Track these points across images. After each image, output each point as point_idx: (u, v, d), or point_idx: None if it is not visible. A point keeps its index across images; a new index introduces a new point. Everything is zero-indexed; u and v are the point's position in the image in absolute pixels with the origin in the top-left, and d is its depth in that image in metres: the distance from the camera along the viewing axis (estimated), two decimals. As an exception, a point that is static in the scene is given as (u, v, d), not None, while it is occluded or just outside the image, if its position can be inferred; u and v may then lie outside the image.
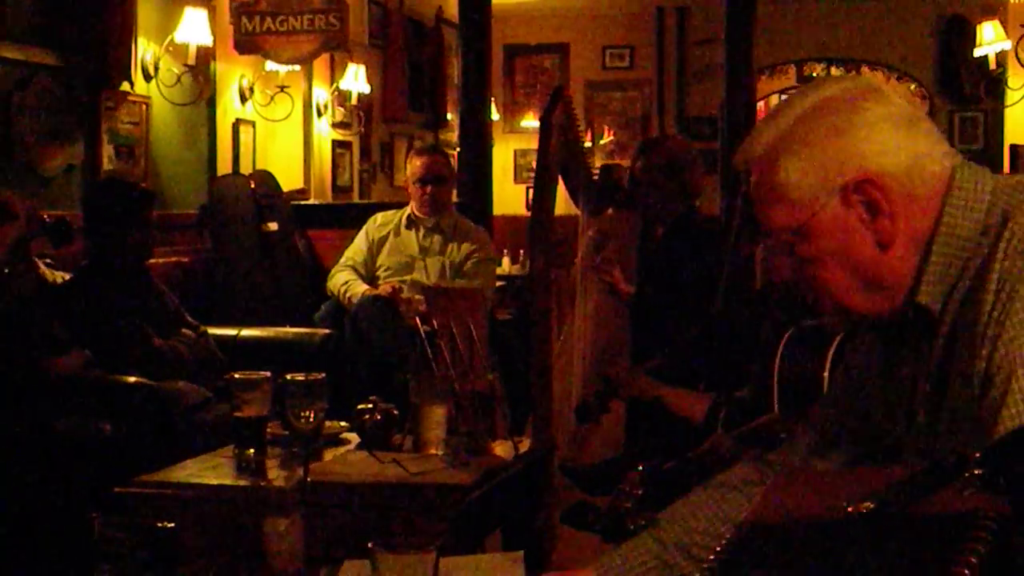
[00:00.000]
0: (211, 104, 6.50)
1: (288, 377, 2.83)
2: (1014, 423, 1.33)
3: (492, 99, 6.97)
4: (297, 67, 7.06)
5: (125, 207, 4.31)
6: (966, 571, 0.95)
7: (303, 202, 7.03)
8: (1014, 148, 9.38)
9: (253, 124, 7.03)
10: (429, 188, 5.39)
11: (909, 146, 1.48)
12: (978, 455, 1.05)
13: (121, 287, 4.29)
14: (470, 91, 6.38)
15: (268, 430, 2.95)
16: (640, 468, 1.69)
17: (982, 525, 0.99)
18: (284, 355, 4.67)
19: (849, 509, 1.09)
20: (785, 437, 1.85)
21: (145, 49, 5.77)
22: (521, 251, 8.72)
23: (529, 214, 3.94)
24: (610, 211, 4.46)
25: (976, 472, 1.04)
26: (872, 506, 1.08)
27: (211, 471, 2.88)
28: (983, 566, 0.96)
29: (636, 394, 3.30)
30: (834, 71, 11.06)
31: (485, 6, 6.47)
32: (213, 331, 4.64)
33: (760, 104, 11.11)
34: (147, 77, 5.81)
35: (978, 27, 9.12)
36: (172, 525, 1.94)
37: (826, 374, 2.03)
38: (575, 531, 3.47)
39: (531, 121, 10.64)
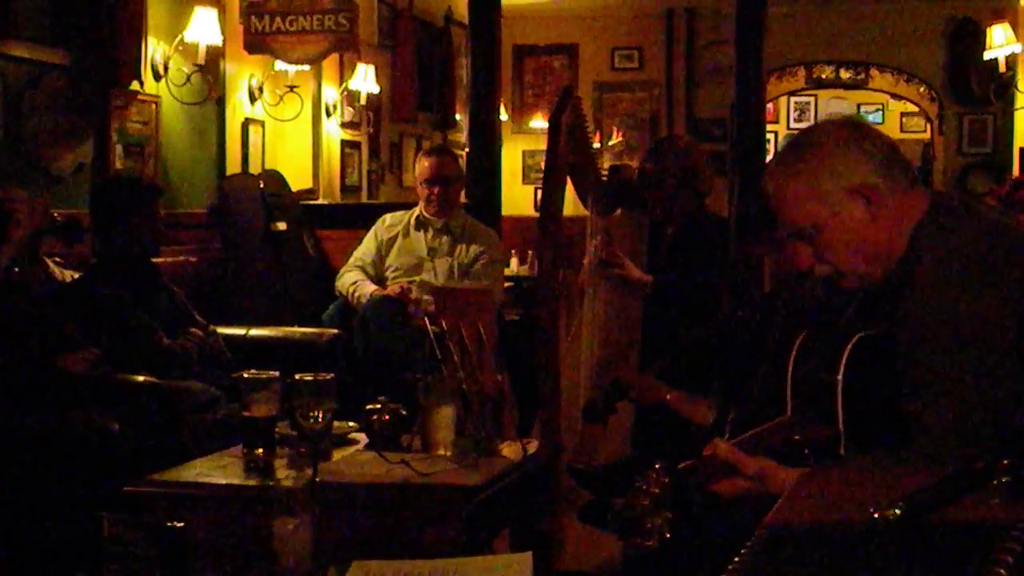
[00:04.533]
0: (220, 104, 6.50)
1: (297, 377, 2.83)
2: None
3: (501, 100, 6.96)
4: (306, 67, 7.06)
5: (131, 199, 4.32)
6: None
7: (312, 202, 7.04)
8: (1024, 151, 9.36)
9: (262, 124, 7.04)
10: (437, 189, 5.39)
11: None
12: (1006, 463, 1.05)
13: (130, 286, 4.29)
14: (479, 92, 6.37)
15: (276, 430, 2.95)
16: (657, 466, 1.68)
17: (1013, 536, 0.98)
18: (293, 355, 4.67)
19: (876, 515, 1.09)
20: (798, 440, 1.85)
21: (155, 48, 5.78)
22: (529, 252, 8.71)
23: (537, 215, 3.93)
24: (619, 212, 4.45)
25: (1003, 480, 1.04)
26: (899, 512, 1.07)
27: (220, 471, 2.89)
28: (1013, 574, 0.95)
29: (644, 396, 3.29)
30: (843, 73, 11.04)
31: (494, 7, 6.46)
32: (222, 330, 4.65)
33: (769, 106, 11.12)
34: (157, 76, 5.81)
35: (988, 30, 9.09)
36: (181, 524, 1.95)
37: (839, 377, 2.02)
38: (584, 533, 3.47)
39: (540, 122, 10.63)
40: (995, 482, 1.05)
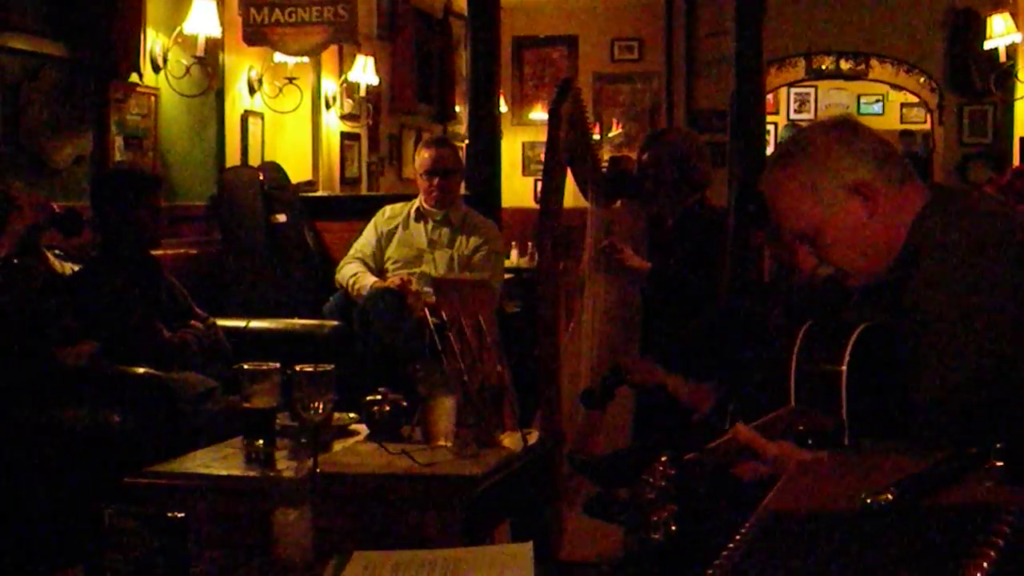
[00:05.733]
0: (220, 96, 6.49)
1: (297, 368, 2.83)
2: None
3: (501, 91, 6.96)
4: (306, 59, 7.05)
5: (132, 190, 4.33)
6: (984, 564, 0.95)
7: (311, 194, 7.03)
8: (1024, 141, 9.35)
9: (262, 116, 7.03)
10: (437, 180, 5.38)
11: None
12: (999, 447, 1.05)
13: (130, 278, 4.29)
14: (479, 83, 6.36)
15: (277, 421, 2.95)
16: (664, 458, 1.68)
17: (1002, 519, 0.98)
18: (293, 347, 4.67)
19: (868, 500, 1.09)
20: (802, 430, 1.85)
21: (154, 40, 5.77)
22: (529, 243, 8.71)
23: (538, 207, 3.93)
24: (618, 203, 4.45)
25: (996, 464, 1.04)
26: (891, 497, 1.08)
27: (220, 462, 2.89)
28: (1002, 559, 0.95)
29: (643, 381, 3.29)
30: (843, 64, 11.02)
31: (494, -2, 6.45)
32: (222, 322, 4.65)
33: (769, 97, 11.09)
34: (156, 68, 5.80)
35: (988, 20, 9.08)
36: (182, 515, 1.95)
37: (844, 367, 2.02)
38: (585, 523, 3.48)
39: (540, 113, 10.63)
40: (987, 466, 1.05)
